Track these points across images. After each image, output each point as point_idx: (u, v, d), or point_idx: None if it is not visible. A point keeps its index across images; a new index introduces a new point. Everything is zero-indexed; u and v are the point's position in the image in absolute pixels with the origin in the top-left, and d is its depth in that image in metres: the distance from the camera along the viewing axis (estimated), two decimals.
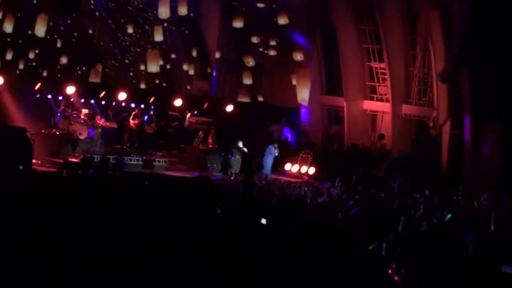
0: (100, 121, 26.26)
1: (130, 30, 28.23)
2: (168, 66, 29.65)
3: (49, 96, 26.30)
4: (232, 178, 24.62)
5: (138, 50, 30.71)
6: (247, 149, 25.69)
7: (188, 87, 29.85)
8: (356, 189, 19.66)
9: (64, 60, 26.44)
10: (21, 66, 26.87)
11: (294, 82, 30.36)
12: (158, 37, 28.22)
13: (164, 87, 29.56)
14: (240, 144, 25.42)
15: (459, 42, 25.24)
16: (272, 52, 30.24)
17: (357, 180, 21.16)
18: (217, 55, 30.65)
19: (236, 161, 25.49)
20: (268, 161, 25.70)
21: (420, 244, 10.79)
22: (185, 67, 30.50)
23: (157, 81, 29.90)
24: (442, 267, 9.25)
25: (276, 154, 25.80)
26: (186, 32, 30.48)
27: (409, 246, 10.60)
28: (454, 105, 27.29)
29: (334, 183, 19.96)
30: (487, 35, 23.92)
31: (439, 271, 9.16)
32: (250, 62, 29.26)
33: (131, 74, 29.65)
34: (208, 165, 26.06)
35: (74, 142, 25.39)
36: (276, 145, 25.84)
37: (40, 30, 24.93)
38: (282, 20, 29.32)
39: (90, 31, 27.46)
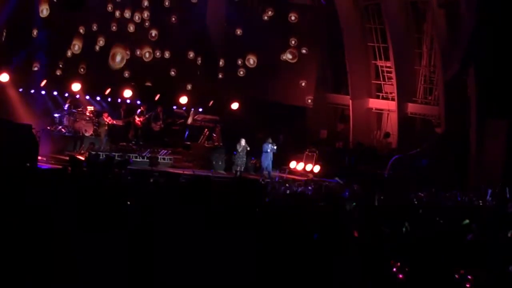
0: (107, 119, 26.33)
1: (131, 28, 28.16)
2: (172, 73, 29.48)
3: (55, 93, 26.41)
4: (237, 175, 24.63)
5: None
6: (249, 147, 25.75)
7: (189, 87, 29.72)
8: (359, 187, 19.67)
9: (77, 46, 26.44)
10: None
11: (289, 56, 30.22)
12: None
13: (170, 84, 29.52)
14: (243, 142, 25.41)
15: (466, 41, 25.23)
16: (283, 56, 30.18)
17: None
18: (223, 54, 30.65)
19: (240, 158, 25.48)
20: (266, 158, 25.62)
21: (425, 242, 10.78)
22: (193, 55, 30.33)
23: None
24: (444, 265, 9.25)
25: (274, 149, 25.68)
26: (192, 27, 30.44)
27: (413, 244, 10.59)
28: (459, 104, 27.26)
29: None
30: (494, 33, 23.91)
31: (442, 270, 9.16)
32: (251, 60, 29.24)
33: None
34: (214, 162, 26.11)
35: (80, 139, 25.48)
36: (270, 140, 25.77)
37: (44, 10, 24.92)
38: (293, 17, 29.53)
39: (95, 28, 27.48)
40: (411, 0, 29.39)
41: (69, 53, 26.69)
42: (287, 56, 29.68)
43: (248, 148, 25.63)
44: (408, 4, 29.49)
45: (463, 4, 25.79)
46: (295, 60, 29.75)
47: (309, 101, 30.74)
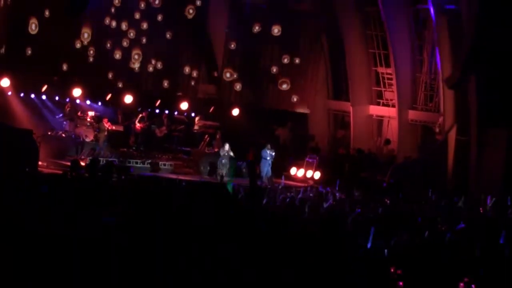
0: (107, 124, 26.30)
1: (132, 34, 28.29)
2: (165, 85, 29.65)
3: (56, 98, 26.40)
4: (220, 180, 24.50)
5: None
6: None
7: (183, 93, 29.86)
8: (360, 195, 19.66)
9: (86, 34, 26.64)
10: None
11: (284, 86, 30.44)
12: None
13: (171, 90, 29.60)
14: (227, 147, 25.34)
15: (467, 48, 25.23)
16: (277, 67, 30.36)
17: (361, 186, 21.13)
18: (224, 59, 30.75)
19: (222, 164, 25.34)
20: (265, 165, 25.53)
21: (425, 250, 10.79)
22: (189, 70, 30.49)
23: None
24: (445, 273, 9.26)
25: (272, 155, 25.60)
26: (193, 34, 30.56)
27: (413, 252, 10.60)
28: (460, 111, 27.27)
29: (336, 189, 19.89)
30: (495, 41, 23.91)
31: (442, 278, 9.16)
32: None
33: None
34: (202, 168, 26.13)
35: (80, 144, 25.47)
36: (268, 146, 25.70)
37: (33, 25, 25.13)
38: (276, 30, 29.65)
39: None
40: (412, 7, 29.41)
41: (64, 67, 26.86)
42: (283, 87, 30.01)
43: (232, 154, 25.55)
44: (409, 11, 29.50)
45: (464, 12, 25.81)
46: (288, 88, 30.07)
47: (295, 99, 30.83)
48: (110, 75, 28.23)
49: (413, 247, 11.00)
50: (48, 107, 26.41)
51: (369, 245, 9.44)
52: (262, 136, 28.01)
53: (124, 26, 28.09)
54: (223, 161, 25.34)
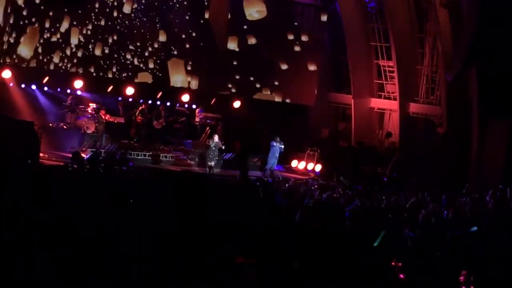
0: (105, 116, 26.22)
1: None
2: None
3: (58, 90, 26.37)
4: (210, 171, 24.50)
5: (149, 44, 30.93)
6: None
7: (189, 79, 29.85)
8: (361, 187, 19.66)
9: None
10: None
11: (283, 67, 30.27)
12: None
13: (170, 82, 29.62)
14: (216, 138, 25.27)
15: (468, 41, 25.19)
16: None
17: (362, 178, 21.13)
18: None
19: (212, 155, 25.27)
20: (273, 156, 25.38)
21: (427, 244, 10.79)
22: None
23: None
24: (446, 266, 9.27)
25: (281, 147, 25.46)
26: (194, 25, 30.58)
27: (415, 245, 10.61)
28: (461, 104, 27.26)
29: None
30: (496, 33, 23.87)
31: (443, 271, 9.17)
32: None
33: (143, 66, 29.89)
34: (197, 159, 26.14)
35: (81, 136, 25.44)
36: (277, 139, 25.52)
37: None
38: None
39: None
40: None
41: (68, 52, 26.97)
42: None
43: (222, 146, 25.55)
44: (410, 4, 29.48)
45: (465, 4, 25.76)
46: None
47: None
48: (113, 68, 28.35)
49: (415, 240, 11.00)
50: (52, 98, 26.37)
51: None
52: (264, 128, 28.00)
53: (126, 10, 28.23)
54: (212, 152, 25.26)
